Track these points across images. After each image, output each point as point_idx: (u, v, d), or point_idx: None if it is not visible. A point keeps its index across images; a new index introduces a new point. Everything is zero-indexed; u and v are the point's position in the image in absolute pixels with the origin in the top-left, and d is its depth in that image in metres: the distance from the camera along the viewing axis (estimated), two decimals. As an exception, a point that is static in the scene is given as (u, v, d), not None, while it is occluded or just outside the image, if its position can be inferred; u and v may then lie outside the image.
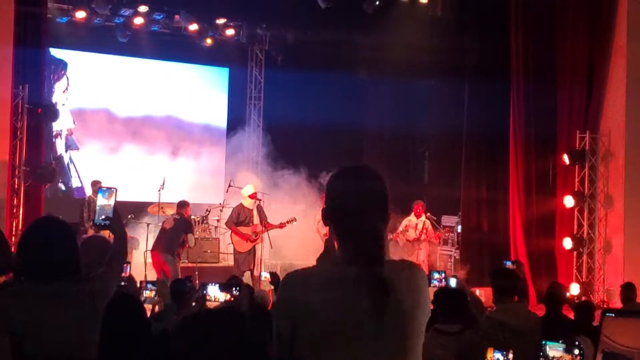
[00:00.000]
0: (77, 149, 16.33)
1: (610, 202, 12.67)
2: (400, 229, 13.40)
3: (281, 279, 2.76)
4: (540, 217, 13.13)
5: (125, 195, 16.11)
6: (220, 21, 16.30)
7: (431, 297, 5.67)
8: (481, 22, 13.94)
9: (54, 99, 15.52)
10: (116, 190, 3.54)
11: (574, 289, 12.32)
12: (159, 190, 13.66)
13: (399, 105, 16.43)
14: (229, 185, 14.59)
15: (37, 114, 11.39)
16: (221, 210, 14.94)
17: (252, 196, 12.22)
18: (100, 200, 3.50)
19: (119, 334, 3.65)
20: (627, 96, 12.30)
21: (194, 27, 15.97)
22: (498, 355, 4.76)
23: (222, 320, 2.09)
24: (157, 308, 6.57)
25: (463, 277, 12.52)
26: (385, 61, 15.93)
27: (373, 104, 17.17)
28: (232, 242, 12.28)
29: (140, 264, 12.01)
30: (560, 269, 12.98)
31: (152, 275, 11.56)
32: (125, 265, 5.05)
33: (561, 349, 3.84)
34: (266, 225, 12.13)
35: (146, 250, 12.36)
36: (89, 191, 14.15)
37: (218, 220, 14.96)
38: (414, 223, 13.36)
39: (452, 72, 14.87)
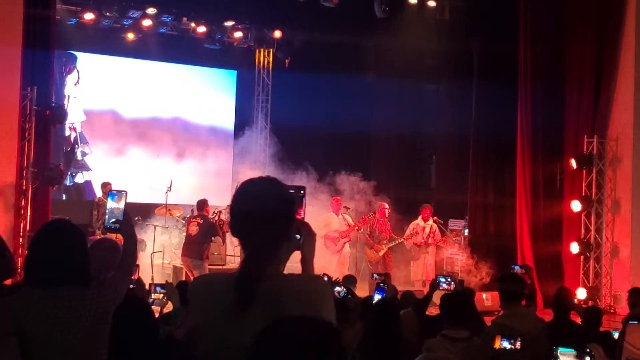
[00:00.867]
0: (87, 142, 16.41)
1: (617, 206, 12.64)
2: (408, 232, 13.40)
3: None
4: (547, 222, 13.11)
5: (132, 196, 16.13)
6: (228, 24, 16.33)
7: (438, 301, 5.69)
8: (489, 26, 13.92)
9: (66, 92, 15.62)
10: (126, 193, 3.53)
11: (581, 294, 12.29)
12: (166, 192, 13.67)
13: (406, 108, 16.41)
14: (236, 187, 14.55)
15: (45, 116, 11.40)
16: (229, 213, 14.90)
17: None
18: (110, 204, 3.50)
19: (128, 338, 3.65)
20: (635, 101, 12.29)
21: (201, 29, 16.00)
22: (505, 343, 4.75)
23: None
24: (164, 310, 6.57)
25: (473, 280, 12.53)
26: (392, 64, 15.92)
27: (380, 107, 17.16)
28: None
29: (147, 265, 12.03)
30: (567, 274, 12.96)
31: (160, 278, 11.59)
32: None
33: (572, 355, 3.83)
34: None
35: (153, 252, 12.36)
36: (97, 188, 14.18)
37: (225, 222, 14.93)
38: (422, 227, 13.36)
39: (459, 76, 14.85)
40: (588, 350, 3.97)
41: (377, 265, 13.14)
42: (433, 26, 15.21)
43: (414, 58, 15.39)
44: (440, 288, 7.03)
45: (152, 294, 6.44)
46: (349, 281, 8.73)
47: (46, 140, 11.69)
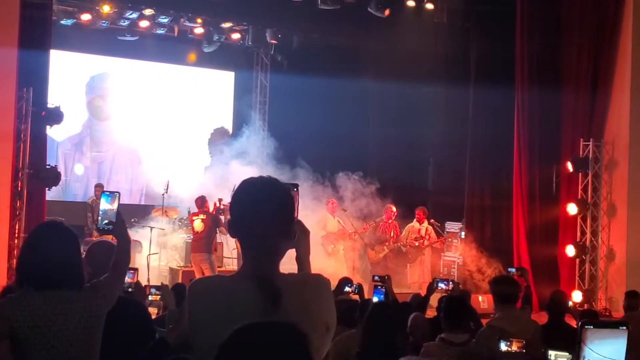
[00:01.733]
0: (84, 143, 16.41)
1: (613, 210, 12.65)
2: (403, 234, 13.41)
3: None
4: (543, 224, 13.12)
5: (129, 198, 16.22)
6: (226, 25, 16.30)
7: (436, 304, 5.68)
8: (486, 29, 13.94)
9: (62, 93, 15.64)
10: (119, 194, 3.53)
11: (577, 297, 12.30)
12: (163, 194, 13.65)
13: (404, 110, 16.40)
14: (233, 189, 14.54)
15: (41, 117, 11.37)
16: (226, 215, 14.91)
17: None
18: (104, 205, 3.48)
19: (121, 341, 3.64)
20: (632, 104, 12.30)
21: (199, 30, 15.98)
22: (503, 345, 4.75)
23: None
24: (161, 312, 6.56)
25: (469, 283, 12.53)
26: (390, 67, 15.90)
27: (377, 109, 17.16)
28: (237, 247, 12.27)
29: (144, 267, 12.00)
30: (562, 277, 12.97)
31: (156, 280, 11.57)
32: (132, 272, 5.03)
33: (567, 358, 3.82)
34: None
35: (149, 254, 12.33)
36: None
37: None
38: (417, 229, 13.37)
39: (456, 78, 14.84)
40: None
41: (376, 266, 13.14)
42: (431, 29, 15.21)
43: (411, 60, 15.38)
44: (438, 290, 7.03)
45: (149, 296, 6.42)
46: (345, 283, 8.71)
47: (42, 141, 11.65)
